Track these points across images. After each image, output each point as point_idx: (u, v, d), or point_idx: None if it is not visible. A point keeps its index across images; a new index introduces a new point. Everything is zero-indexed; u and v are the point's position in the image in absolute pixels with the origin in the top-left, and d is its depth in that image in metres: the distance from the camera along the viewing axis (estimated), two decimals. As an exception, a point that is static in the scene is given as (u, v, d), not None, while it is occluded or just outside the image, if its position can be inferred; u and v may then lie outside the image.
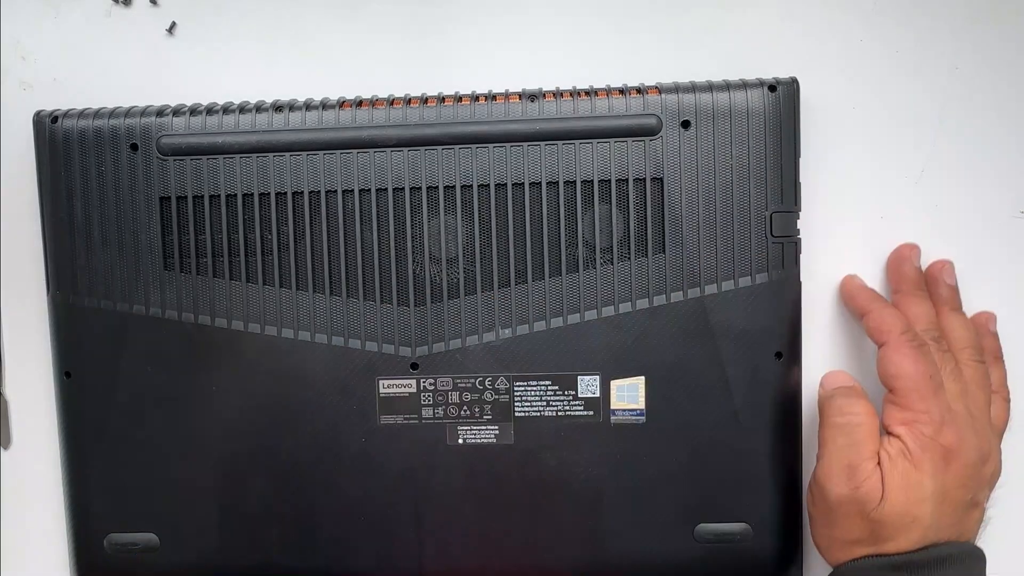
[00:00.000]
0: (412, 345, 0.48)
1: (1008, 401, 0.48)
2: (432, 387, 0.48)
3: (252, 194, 0.48)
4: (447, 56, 0.51)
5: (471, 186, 0.47)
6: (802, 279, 0.48)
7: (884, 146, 0.50)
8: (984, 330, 0.49)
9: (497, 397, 0.48)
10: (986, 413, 0.46)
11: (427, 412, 0.48)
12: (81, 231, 0.48)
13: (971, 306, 0.50)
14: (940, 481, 0.44)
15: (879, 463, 0.44)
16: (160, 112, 0.48)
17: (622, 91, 0.47)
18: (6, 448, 0.53)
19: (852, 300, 0.49)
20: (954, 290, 0.49)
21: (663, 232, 0.47)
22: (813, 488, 0.46)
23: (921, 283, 0.49)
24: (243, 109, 0.48)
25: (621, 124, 0.47)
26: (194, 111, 0.48)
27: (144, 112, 0.48)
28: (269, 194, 0.48)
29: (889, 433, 0.45)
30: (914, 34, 0.49)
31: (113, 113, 0.48)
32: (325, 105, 0.48)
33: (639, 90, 0.47)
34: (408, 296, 0.48)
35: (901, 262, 0.49)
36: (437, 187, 0.47)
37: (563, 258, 0.47)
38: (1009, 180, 0.50)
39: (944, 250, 0.50)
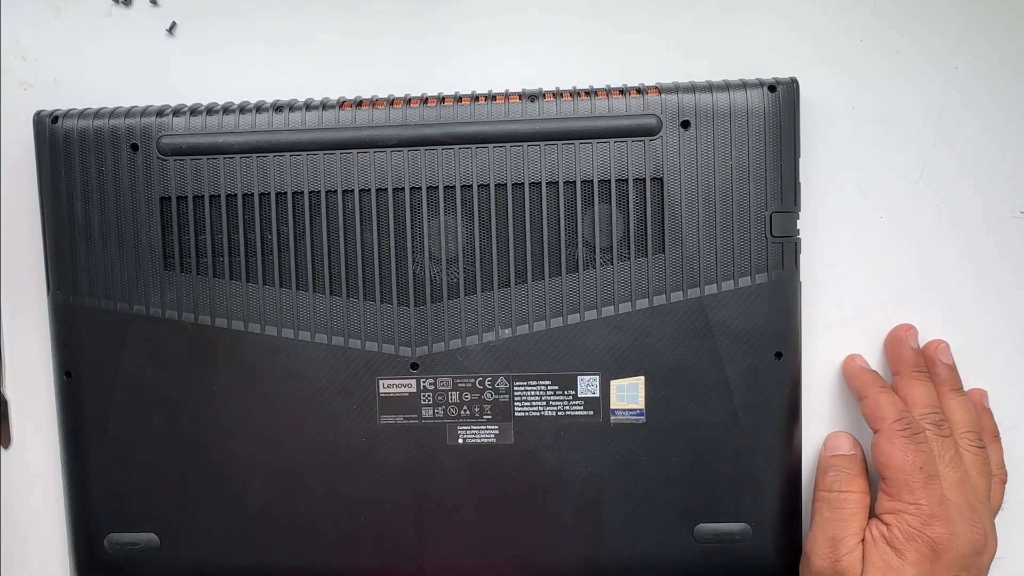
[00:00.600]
0: (412, 345, 0.48)
1: (1004, 483, 0.48)
2: (432, 387, 0.48)
3: (252, 194, 0.48)
4: (447, 56, 0.51)
5: (471, 186, 0.47)
6: (802, 279, 0.48)
7: (884, 146, 0.50)
8: (979, 407, 0.49)
9: (497, 397, 0.48)
10: (986, 501, 0.46)
11: (427, 412, 0.48)
12: (81, 231, 0.48)
13: (971, 306, 0.50)
14: (927, 571, 0.44)
15: (863, 541, 0.45)
16: (160, 112, 0.48)
17: (622, 91, 0.47)
18: (6, 448, 0.53)
19: (851, 382, 0.49)
20: (952, 369, 0.49)
21: (663, 232, 0.47)
22: (803, 558, 0.47)
23: (920, 363, 0.49)
24: (243, 109, 0.48)
25: (621, 124, 0.47)
26: (194, 111, 0.48)
27: (144, 112, 0.48)
28: (269, 194, 0.48)
29: (879, 518, 0.46)
30: (914, 34, 0.50)
31: (113, 113, 0.48)
32: (325, 105, 0.48)
33: (639, 90, 0.47)
34: (408, 296, 0.48)
35: (898, 344, 0.49)
36: (437, 187, 0.47)
37: (563, 258, 0.47)
38: (1009, 180, 0.50)
39: (944, 250, 0.50)
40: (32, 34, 0.52)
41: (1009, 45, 0.49)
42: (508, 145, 0.47)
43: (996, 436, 0.49)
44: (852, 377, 0.49)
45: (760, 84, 0.47)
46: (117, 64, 0.52)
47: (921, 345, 0.49)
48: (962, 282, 0.50)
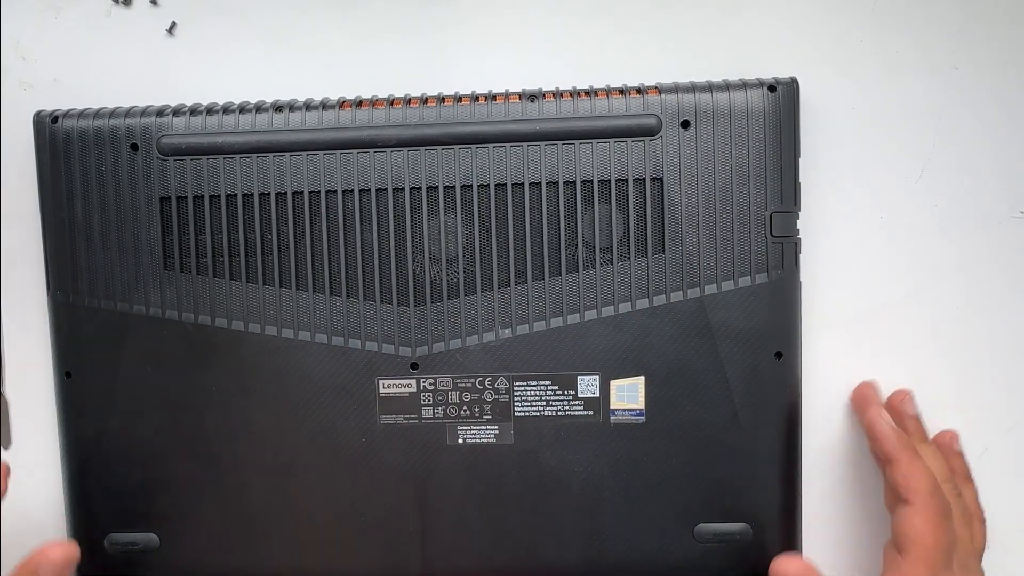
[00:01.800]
0: (412, 345, 0.48)
1: (984, 522, 0.48)
2: (432, 387, 0.48)
3: (252, 194, 0.48)
4: (447, 56, 0.51)
5: (471, 186, 0.47)
6: (802, 279, 0.48)
7: (884, 146, 0.50)
8: (949, 451, 0.48)
9: (497, 397, 0.48)
10: (971, 551, 0.46)
11: (427, 412, 0.48)
12: (81, 231, 0.48)
13: (971, 306, 0.50)
14: None
15: None
16: (160, 112, 0.48)
17: (622, 91, 0.47)
18: (6, 448, 0.53)
19: (879, 442, 0.46)
20: (919, 420, 0.49)
21: (663, 232, 0.47)
22: None
23: (922, 430, 0.48)
24: (243, 109, 0.48)
25: (621, 124, 0.47)
26: (194, 111, 0.48)
27: (144, 112, 0.48)
28: (269, 194, 0.48)
29: None
30: (914, 34, 0.50)
31: (113, 113, 0.48)
32: (325, 105, 0.48)
33: (639, 90, 0.47)
34: (408, 296, 0.48)
35: (899, 416, 0.48)
36: (437, 187, 0.47)
37: (563, 258, 0.47)
38: (1009, 180, 0.50)
39: (944, 250, 0.50)
40: (32, 34, 0.52)
41: (1009, 45, 0.49)
42: (508, 145, 0.47)
43: (968, 478, 0.48)
44: (879, 437, 0.46)
45: (760, 84, 0.47)
46: (117, 64, 0.52)
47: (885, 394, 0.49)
48: (962, 282, 0.50)
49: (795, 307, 0.47)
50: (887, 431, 0.46)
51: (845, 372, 0.50)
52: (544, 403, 0.48)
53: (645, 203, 0.47)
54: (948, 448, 0.48)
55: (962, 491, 0.47)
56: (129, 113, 0.48)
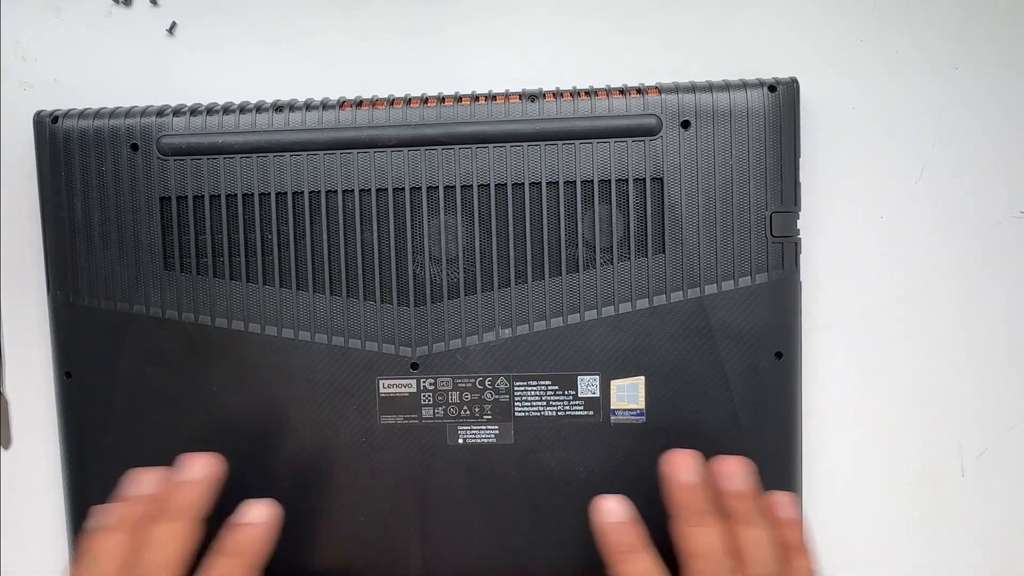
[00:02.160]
0: (412, 345, 0.48)
1: None
2: (432, 387, 0.48)
3: (252, 194, 0.48)
4: (447, 56, 0.51)
5: (471, 186, 0.47)
6: (802, 279, 0.48)
7: (884, 146, 0.50)
8: (777, 520, 0.43)
9: (497, 397, 0.48)
10: None
11: (427, 412, 0.48)
12: (81, 231, 0.48)
13: (971, 306, 0.50)
14: None
15: None
16: (160, 112, 0.48)
17: (622, 91, 0.47)
18: (6, 448, 0.53)
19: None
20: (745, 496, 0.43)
21: (663, 232, 0.47)
22: None
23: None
24: (243, 109, 0.48)
25: (621, 124, 0.47)
26: (194, 111, 0.48)
27: (144, 112, 0.48)
28: (269, 194, 0.48)
29: None
30: (914, 34, 0.50)
31: (113, 113, 0.48)
32: (325, 105, 0.48)
33: (639, 90, 0.47)
34: (408, 296, 0.48)
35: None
36: (437, 187, 0.47)
37: (563, 258, 0.47)
38: (1009, 180, 0.50)
39: (944, 250, 0.50)
40: (32, 34, 0.52)
41: (1009, 45, 0.49)
42: (508, 145, 0.47)
43: (801, 548, 0.43)
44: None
45: (760, 84, 0.47)
46: (117, 64, 0.52)
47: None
48: (962, 282, 0.50)
49: (795, 307, 0.47)
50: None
51: (845, 372, 0.50)
52: (544, 403, 0.48)
53: (645, 203, 0.47)
54: (775, 517, 0.43)
55: (793, 562, 0.42)
56: (129, 113, 0.48)
